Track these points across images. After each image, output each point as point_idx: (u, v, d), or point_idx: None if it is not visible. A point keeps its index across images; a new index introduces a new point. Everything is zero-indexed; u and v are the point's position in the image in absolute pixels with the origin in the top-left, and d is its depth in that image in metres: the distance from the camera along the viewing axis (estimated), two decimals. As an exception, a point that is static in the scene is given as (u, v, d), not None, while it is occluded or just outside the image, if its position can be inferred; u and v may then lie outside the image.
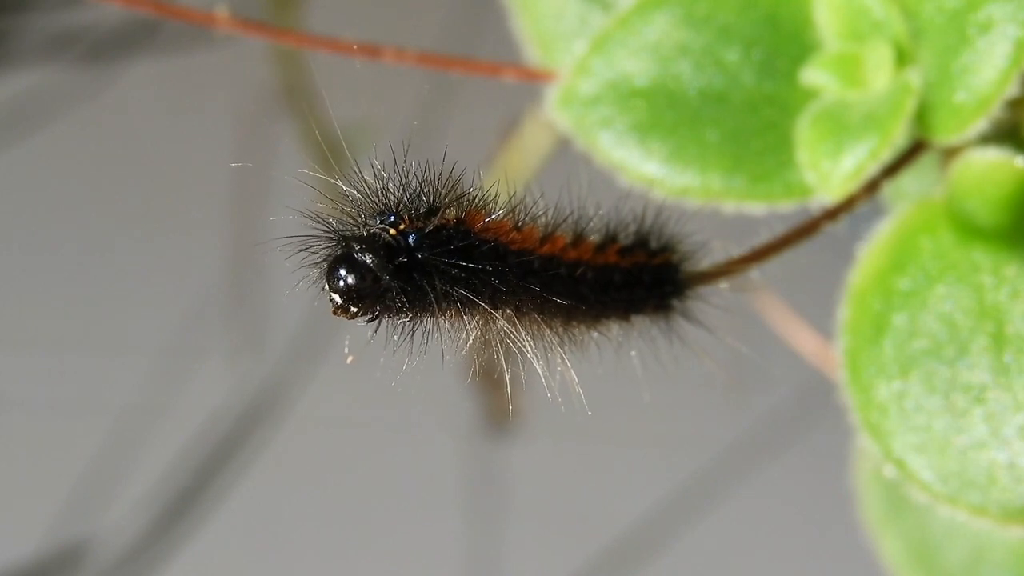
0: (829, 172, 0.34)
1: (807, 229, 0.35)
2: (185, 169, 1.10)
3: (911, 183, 0.39)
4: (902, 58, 0.35)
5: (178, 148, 1.12)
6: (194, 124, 1.11)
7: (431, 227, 0.28)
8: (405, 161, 0.29)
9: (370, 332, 0.29)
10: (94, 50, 1.08)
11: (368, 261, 0.28)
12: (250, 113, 0.99)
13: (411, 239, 0.28)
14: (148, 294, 1.11)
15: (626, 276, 0.32)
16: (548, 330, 0.31)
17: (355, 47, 0.38)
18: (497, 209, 0.30)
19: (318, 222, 0.29)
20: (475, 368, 0.31)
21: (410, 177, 0.29)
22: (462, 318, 0.29)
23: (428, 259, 0.28)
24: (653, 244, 0.33)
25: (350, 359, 0.30)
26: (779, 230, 0.34)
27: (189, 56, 1.03)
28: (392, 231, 0.28)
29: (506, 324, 0.30)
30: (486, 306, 0.29)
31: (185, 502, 1.04)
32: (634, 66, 0.36)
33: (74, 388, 1.09)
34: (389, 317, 0.29)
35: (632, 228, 0.33)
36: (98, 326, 1.11)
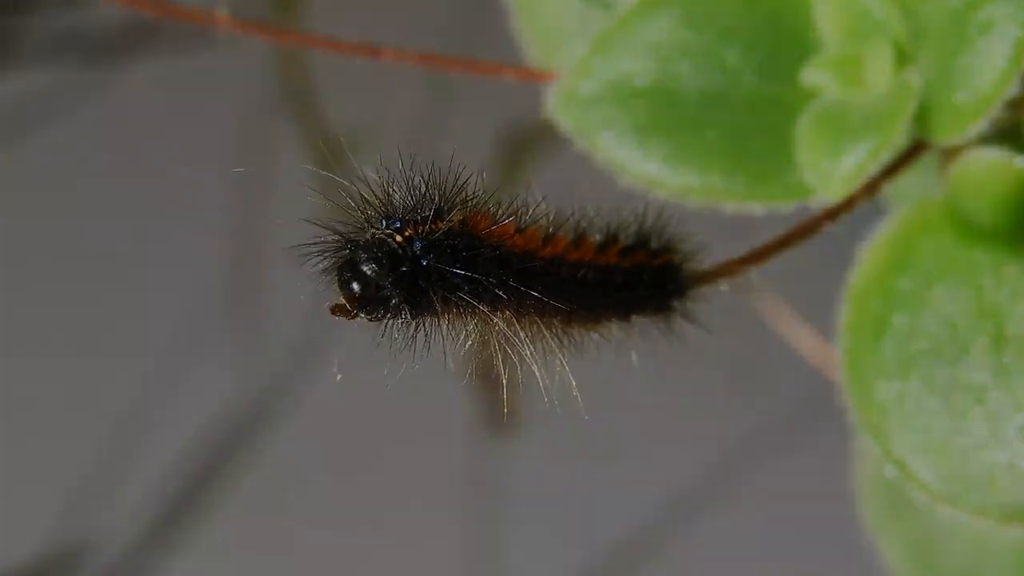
0: (829, 172, 0.34)
1: (807, 229, 0.35)
2: (186, 169, 1.10)
3: (911, 183, 0.39)
4: (902, 58, 0.35)
5: (179, 148, 1.12)
6: (195, 124, 1.11)
7: (438, 234, 0.28)
8: (411, 162, 0.29)
9: (369, 335, 0.29)
10: (95, 51, 1.08)
11: (376, 268, 0.28)
12: (251, 113, 1.00)
13: (418, 246, 0.28)
14: (148, 294, 1.11)
15: (627, 277, 0.32)
16: (548, 331, 0.31)
17: (355, 47, 0.38)
18: (500, 213, 0.30)
19: (324, 225, 0.29)
20: (474, 368, 0.31)
21: (415, 180, 0.29)
22: (462, 320, 0.29)
23: (434, 267, 0.28)
24: (654, 244, 0.33)
25: (339, 377, 0.30)
26: (779, 230, 0.34)
27: (190, 57, 1.03)
28: (399, 237, 0.28)
29: (505, 326, 0.30)
30: (486, 310, 0.29)
31: (185, 503, 1.04)
32: (635, 66, 0.36)
33: (74, 388, 1.09)
34: (391, 319, 0.29)
35: (633, 229, 0.33)
36: (98, 326, 1.11)
